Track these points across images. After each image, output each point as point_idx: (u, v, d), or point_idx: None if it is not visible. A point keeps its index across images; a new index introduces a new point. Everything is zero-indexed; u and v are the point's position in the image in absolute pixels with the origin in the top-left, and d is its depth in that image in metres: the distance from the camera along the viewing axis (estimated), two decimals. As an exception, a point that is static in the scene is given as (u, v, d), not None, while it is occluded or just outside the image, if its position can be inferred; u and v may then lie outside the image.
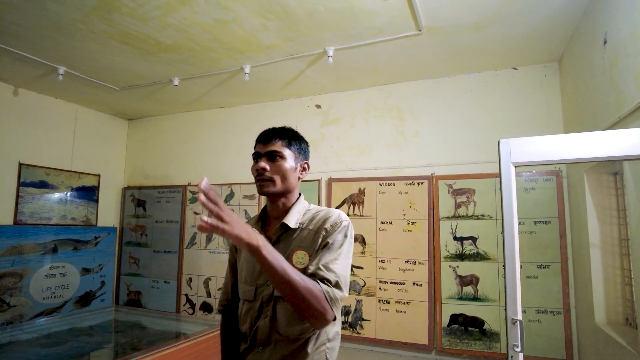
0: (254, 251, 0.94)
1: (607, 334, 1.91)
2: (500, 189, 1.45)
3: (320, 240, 1.18)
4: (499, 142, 1.47)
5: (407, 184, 3.00)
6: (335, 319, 1.08)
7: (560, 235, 2.58)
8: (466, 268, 2.76)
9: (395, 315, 2.89)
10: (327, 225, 1.20)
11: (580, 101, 2.28)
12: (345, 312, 3.03)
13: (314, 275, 1.08)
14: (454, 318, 2.74)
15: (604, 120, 1.87)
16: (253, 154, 1.27)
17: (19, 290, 3.20)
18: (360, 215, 3.11)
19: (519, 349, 1.34)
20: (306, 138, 1.38)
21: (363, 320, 2.97)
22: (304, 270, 1.11)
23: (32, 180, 3.40)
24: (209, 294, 3.63)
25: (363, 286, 3.01)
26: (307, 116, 3.48)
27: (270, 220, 1.30)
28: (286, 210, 1.26)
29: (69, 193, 3.70)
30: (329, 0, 2.04)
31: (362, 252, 3.04)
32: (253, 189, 3.56)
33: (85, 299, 3.71)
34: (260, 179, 1.21)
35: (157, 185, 4.06)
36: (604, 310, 2.09)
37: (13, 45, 2.58)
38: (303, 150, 1.31)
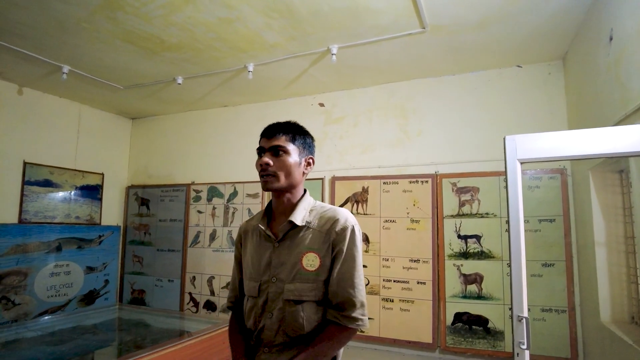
0: None
1: (612, 332, 1.90)
2: (506, 186, 1.45)
3: (330, 244, 1.19)
4: (504, 138, 1.46)
5: (410, 182, 3.00)
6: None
7: (564, 233, 2.57)
8: (470, 266, 2.75)
9: (399, 314, 2.89)
10: (337, 228, 1.20)
11: (585, 99, 2.27)
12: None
13: (343, 304, 1.15)
14: (458, 316, 2.74)
15: (609, 117, 1.86)
16: (257, 149, 1.26)
17: (24, 289, 3.22)
18: (364, 214, 3.10)
19: (525, 346, 1.34)
20: (310, 137, 1.37)
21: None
22: (316, 275, 1.16)
23: (36, 179, 3.42)
24: (212, 293, 3.64)
25: (367, 285, 3.01)
26: (310, 115, 3.48)
27: (276, 215, 1.30)
28: (292, 206, 1.25)
29: (73, 192, 3.71)
30: (333, -2, 2.05)
31: (366, 251, 3.04)
32: (256, 188, 3.57)
33: (89, 298, 3.73)
34: (264, 174, 1.21)
35: (161, 184, 4.07)
36: (609, 308, 2.08)
37: (17, 45, 2.59)
38: (308, 145, 1.29)
